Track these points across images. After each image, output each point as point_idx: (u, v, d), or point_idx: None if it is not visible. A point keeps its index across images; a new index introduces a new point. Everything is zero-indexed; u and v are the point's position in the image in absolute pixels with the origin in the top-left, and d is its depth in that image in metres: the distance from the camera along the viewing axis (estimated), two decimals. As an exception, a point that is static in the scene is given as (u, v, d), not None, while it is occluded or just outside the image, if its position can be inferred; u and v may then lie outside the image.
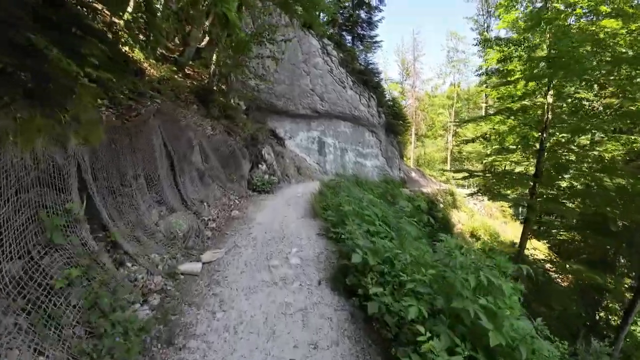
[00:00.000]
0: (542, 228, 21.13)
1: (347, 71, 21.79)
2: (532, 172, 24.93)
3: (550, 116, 13.17)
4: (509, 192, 17.32)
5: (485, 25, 31.94)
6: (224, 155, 9.16)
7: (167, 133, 6.32)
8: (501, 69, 13.11)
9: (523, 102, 13.51)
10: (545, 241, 25.37)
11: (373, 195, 10.02)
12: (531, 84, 13.33)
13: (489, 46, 13.23)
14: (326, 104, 20.66)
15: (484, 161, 31.08)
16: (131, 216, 4.30)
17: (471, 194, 17.76)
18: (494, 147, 29.13)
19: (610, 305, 16.15)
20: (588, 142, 15.51)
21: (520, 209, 30.38)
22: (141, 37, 12.55)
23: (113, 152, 4.37)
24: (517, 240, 23.91)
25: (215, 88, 13.51)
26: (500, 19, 17.10)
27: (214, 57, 13.10)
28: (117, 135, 4.58)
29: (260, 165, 10.54)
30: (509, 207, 27.88)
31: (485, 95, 32.55)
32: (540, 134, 13.46)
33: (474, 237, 20.84)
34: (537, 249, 25.08)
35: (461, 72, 40.05)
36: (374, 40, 27.21)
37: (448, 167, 39.64)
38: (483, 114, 28.73)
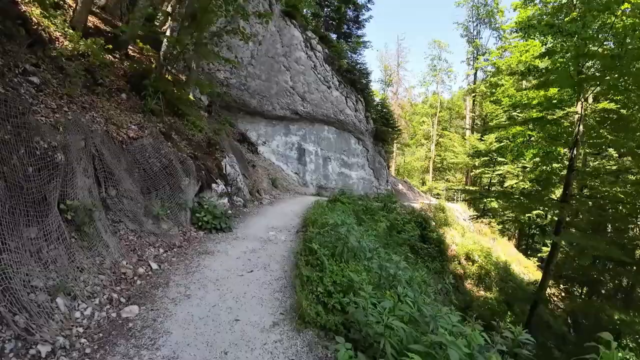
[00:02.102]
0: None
1: (333, 69, 18.45)
2: (524, 187, 22.61)
3: (581, 129, 10.42)
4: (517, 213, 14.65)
5: (475, 32, 29.77)
6: (150, 173, 5.46)
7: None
8: (541, 66, 10.01)
9: (552, 112, 10.63)
10: (535, 259, 23.19)
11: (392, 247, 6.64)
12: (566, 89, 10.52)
13: (530, 35, 9.98)
14: (308, 105, 17.20)
15: (471, 173, 28.81)
16: None
17: (476, 217, 14.83)
18: (482, 159, 26.89)
19: (632, 345, 13.74)
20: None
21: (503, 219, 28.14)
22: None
23: None
24: (509, 259, 21.56)
25: (167, 75, 9.78)
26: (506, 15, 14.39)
27: (168, 33, 9.24)
28: None
29: (215, 185, 6.88)
30: (497, 223, 25.61)
31: (474, 102, 30.35)
32: (569, 150, 10.69)
33: (469, 259, 18.05)
34: (528, 267, 22.84)
35: (444, 81, 37.92)
36: (360, 39, 24.14)
37: (430, 177, 37.33)
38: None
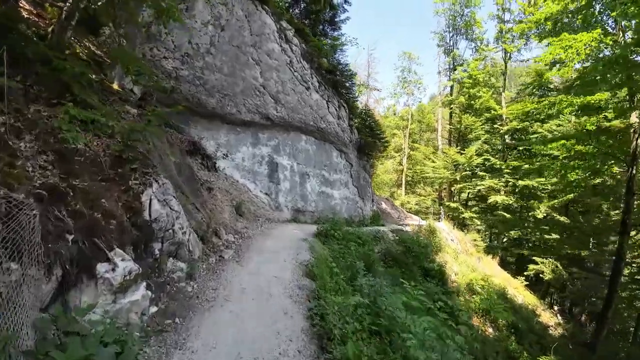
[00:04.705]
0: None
1: (312, 67, 15.05)
2: (509, 203, 20.62)
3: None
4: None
5: (452, 42, 28.34)
6: None
7: None
8: (600, 61, 7.16)
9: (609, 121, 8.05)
10: (523, 279, 21.17)
11: None
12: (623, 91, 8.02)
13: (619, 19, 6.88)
14: (282, 109, 13.50)
15: (453, 188, 26.84)
16: None
17: (492, 248, 11.95)
18: (463, 173, 24.94)
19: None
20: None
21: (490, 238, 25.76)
22: None
23: None
24: (501, 281, 19.32)
25: (73, 47, 5.71)
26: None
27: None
28: None
29: (104, 266, 2.93)
30: (481, 240, 23.55)
31: (451, 114, 28.68)
32: (628, 168, 8.18)
33: (470, 290, 15.30)
34: (518, 288, 20.77)
35: (414, 93, 36.35)
36: (337, 41, 21.11)
37: (403, 191, 35.14)
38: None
